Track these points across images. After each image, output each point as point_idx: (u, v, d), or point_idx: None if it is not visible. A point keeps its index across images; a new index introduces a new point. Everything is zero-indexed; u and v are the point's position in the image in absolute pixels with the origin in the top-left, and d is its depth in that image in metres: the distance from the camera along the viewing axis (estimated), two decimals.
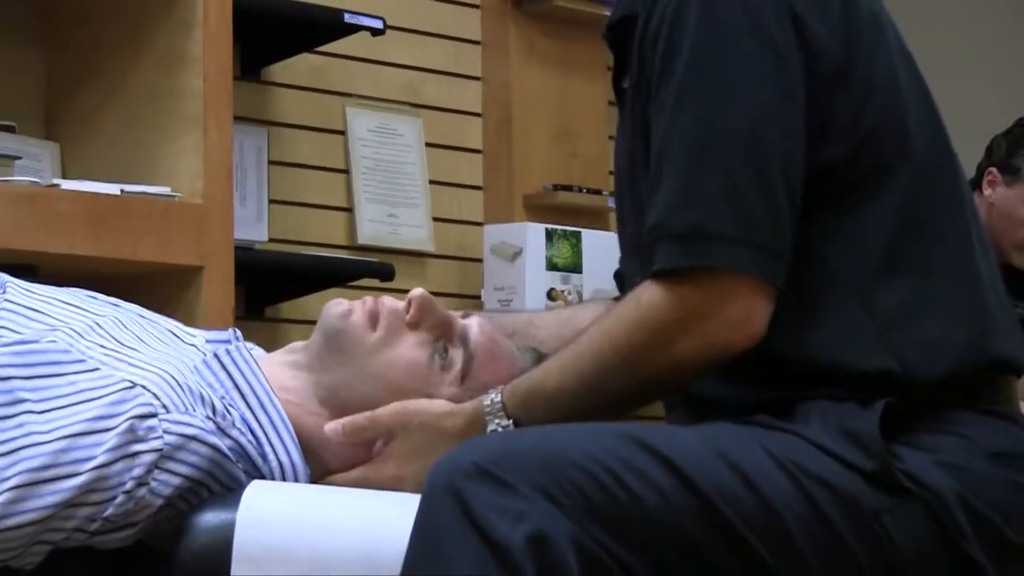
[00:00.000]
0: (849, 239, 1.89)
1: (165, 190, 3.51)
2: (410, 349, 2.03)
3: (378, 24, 4.14)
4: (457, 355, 2.04)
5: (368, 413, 1.98)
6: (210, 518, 1.86)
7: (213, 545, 1.84)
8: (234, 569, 1.80)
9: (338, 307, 2.05)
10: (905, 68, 1.96)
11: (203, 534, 1.85)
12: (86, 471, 1.80)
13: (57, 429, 1.81)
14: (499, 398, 1.93)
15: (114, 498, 1.82)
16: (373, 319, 2.04)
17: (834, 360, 1.87)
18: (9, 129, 3.66)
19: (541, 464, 1.71)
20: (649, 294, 1.86)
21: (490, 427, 1.91)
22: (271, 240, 4.17)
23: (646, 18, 1.92)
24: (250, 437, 1.96)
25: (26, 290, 2.02)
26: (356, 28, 4.13)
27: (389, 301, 2.06)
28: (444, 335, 2.05)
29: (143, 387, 1.87)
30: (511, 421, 1.91)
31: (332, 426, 1.99)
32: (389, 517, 1.81)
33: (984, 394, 1.90)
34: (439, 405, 1.98)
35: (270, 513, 1.83)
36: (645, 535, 1.73)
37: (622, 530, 1.72)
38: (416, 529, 1.71)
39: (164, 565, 1.86)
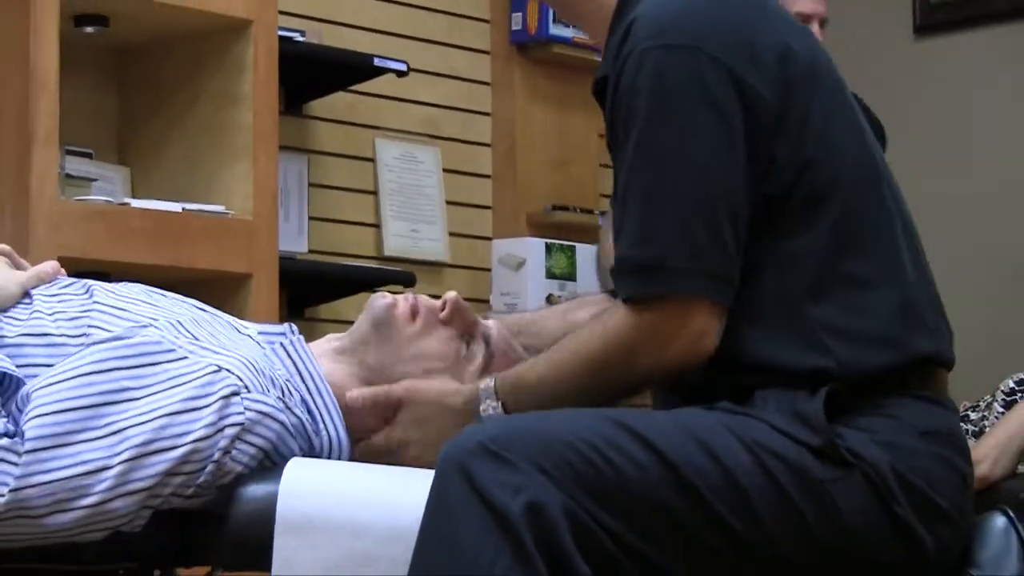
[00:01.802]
0: (787, 259, 1.88)
1: (220, 208, 3.52)
2: (442, 342, 2.05)
3: (402, 67, 4.15)
4: (479, 351, 2.06)
5: (384, 386, 2.00)
6: (256, 489, 1.86)
7: (259, 512, 1.84)
8: (277, 533, 1.80)
9: (384, 300, 2.07)
10: (841, 109, 1.94)
11: (250, 502, 1.86)
12: (184, 444, 1.82)
13: (156, 410, 1.82)
14: (492, 384, 1.94)
15: (205, 467, 1.83)
16: (414, 312, 2.06)
17: (779, 361, 1.86)
18: (87, 155, 3.68)
19: (537, 443, 1.71)
20: (616, 318, 1.87)
21: (482, 405, 1.93)
22: (310, 251, 4.18)
23: (615, 81, 1.91)
24: (307, 416, 1.97)
25: (110, 291, 2.02)
26: (384, 71, 4.14)
27: (426, 299, 2.09)
28: (469, 333, 2.07)
29: (227, 370, 1.88)
30: (500, 403, 1.92)
31: (353, 394, 2.00)
32: (409, 490, 1.80)
33: (913, 382, 1.89)
34: (444, 383, 2.00)
35: (309, 485, 1.83)
36: (626, 503, 1.73)
37: (607, 499, 1.72)
38: (430, 500, 1.71)
39: (215, 527, 1.87)
